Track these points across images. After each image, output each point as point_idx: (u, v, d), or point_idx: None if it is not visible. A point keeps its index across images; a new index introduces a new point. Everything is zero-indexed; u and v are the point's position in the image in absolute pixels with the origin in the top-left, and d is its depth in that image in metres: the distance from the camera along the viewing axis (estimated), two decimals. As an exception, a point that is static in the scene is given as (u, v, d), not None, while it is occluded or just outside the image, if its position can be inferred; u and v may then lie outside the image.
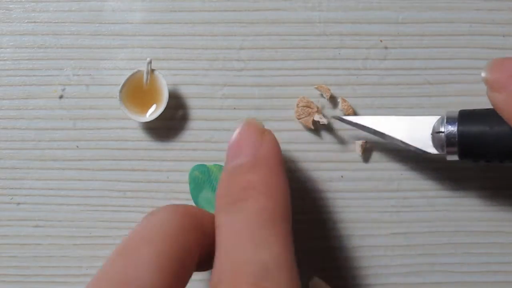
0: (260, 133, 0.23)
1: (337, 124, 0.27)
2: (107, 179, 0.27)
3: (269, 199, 0.21)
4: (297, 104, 0.27)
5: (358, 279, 0.27)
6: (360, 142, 0.27)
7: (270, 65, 0.28)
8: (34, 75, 0.28)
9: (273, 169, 0.22)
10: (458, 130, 0.23)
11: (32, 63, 0.28)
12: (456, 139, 0.23)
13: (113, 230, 0.27)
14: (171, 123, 0.28)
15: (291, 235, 0.20)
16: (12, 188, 0.28)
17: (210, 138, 0.27)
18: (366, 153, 0.27)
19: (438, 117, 0.24)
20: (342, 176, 0.27)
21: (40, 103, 0.28)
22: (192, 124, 0.28)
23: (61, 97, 0.28)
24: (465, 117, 0.23)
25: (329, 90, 0.27)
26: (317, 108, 0.27)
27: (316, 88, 0.27)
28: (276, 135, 0.27)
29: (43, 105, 0.28)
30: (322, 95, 0.27)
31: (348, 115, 0.27)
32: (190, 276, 0.20)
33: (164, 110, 0.26)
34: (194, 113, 0.28)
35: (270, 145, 0.23)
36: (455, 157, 0.24)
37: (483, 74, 0.22)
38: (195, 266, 0.20)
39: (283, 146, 0.27)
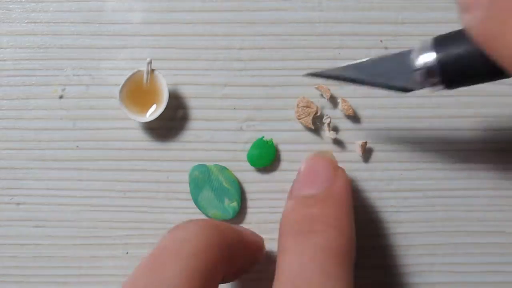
0: (335, 168, 0.23)
1: (337, 125, 0.27)
2: (107, 179, 0.27)
3: (339, 234, 0.21)
4: (297, 104, 0.27)
5: (358, 279, 0.27)
6: (360, 142, 0.27)
7: (270, 65, 0.28)
8: (34, 75, 0.28)
9: (344, 206, 0.22)
10: (437, 57, 0.21)
11: (32, 63, 0.28)
12: (437, 66, 0.21)
13: (113, 230, 0.27)
14: (171, 123, 0.27)
15: (353, 271, 0.21)
16: (12, 188, 0.27)
17: (210, 138, 0.27)
18: (366, 153, 0.27)
19: (414, 48, 0.22)
20: (342, 176, 0.27)
21: (40, 103, 0.28)
22: (192, 124, 0.27)
23: (61, 97, 0.28)
24: (440, 42, 0.21)
25: (329, 90, 0.27)
26: (317, 108, 0.27)
27: (316, 88, 0.27)
28: (276, 135, 0.27)
29: (43, 105, 0.28)
30: (322, 95, 0.27)
31: (349, 115, 0.27)
32: (218, 285, 0.20)
33: (164, 110, 0.26)
34: (194, 113, 0.28)
35: (343, 181, 0.23)
36: (439, 88, 0.22)
37: None
38: (220, 280, 0.20)
39: (283, 146, 0.27)
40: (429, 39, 0.22)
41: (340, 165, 0.27)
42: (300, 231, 0.21)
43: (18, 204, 0.27)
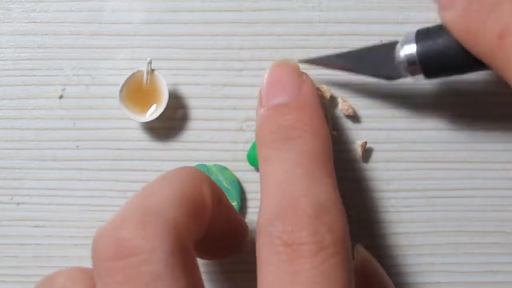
0: (299, 74, 0.24)
1: (337, 124, 0.27)
2: (107, 179, 0.27)
3: (317, 139, 0.21)
4: None
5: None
6: (360, 142, 0.27)
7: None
8: (34, 75, 0.28)
9: (315, 109, 0.23)
10: (416, 48, 0.23)
11: (32, 63, 0.28)
12: (416, 57, 0.23)
13: (113, 230, 0.27)
14: (171, 123, 0.28)
15: (335, 176, 0.21)
16: (12, 188, 0.28)
17: (210, 138, 0.27)
18: (366, 153, 0.27)
19: (399, 40, 0.24)
20: (342, 176, 0.27)
21: (40, 103, 0.28)
22: (192, 124, 0.28)
23: (61, 97, 0.28)
24: (422, 35, 0.23)
25: (329, 90, 0.27)
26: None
27: (316, 88, 0.27)
28: None
29: (43, 105, 0.28)
30: (322, 96, 0.27)
31: (349, 115, 0.27)
32: (205, 225, 0.20)
33: (164, 110, 0.26)
34: (194, 113, 0.28)
35: (311, 86, 0.23)
36: (421, 79, 0.24)
37: None
38: (208, 218, 0.20)
39: None
40: (412, 31, 0.24)
41: (340, 165, 0.27)
42: (278, 140, 0.21)
43: (18, 204, 0.27)
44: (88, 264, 0.27)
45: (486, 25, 0.20)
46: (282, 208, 0.19)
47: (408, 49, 0.23)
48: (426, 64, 0.23)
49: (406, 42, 0.24)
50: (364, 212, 0.27)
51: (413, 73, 0.24)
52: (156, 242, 0.17)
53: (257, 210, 0.27)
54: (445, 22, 0.22)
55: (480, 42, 0.20)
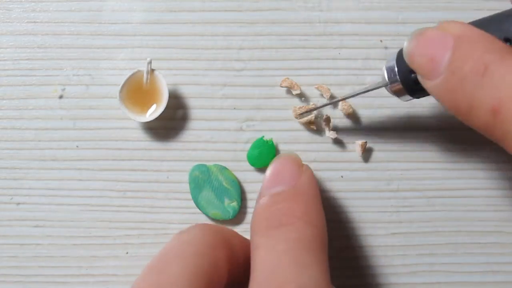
0: (299, 165, 0.24)
1: (337, 125, 0.27)
2: (107, 179, 0.27)
3: (309, 227, 0.21)
4: (280, 84, 0.27)
5: (358, 279, 0.27)
6: (360, 142, 0.27)
7: (270, 65, 0.28)
8: (34, 75, 0.28)
9: (312, 199, 0.23)
10: (397, 71, 0.22)
11: (32, 63, 0.28)
12: (398, 78, 0.23)
13: (113, 230, 0.27)
14: (171, 123, 0.27)
15: (327, 262, 0.21)
16: (12, 188, 0.27)
17: (210, 138, 0.27)
18: (366, 153, 0.27)
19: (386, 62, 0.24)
20: (342, 176, 0.27)
21: (40, 103, 0.28)
22: (192, 124, 0.27)
23: (61, 97, 0.28)
24: (401, 55, 0.22)
25: (329, 90, 0.27)
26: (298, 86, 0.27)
27: (316, 88, 0.27)
28: (276, 135, 0.27)
29: (43, 105, 0.28)
30: (322, 95, 0.27)
31: (349, 115, 0.27)
32: None
33: (164, 110, 0.26)
34: (194, 113, 0.28)
35: (309, 176, 0.23)
36: (407, 97, 0.23)
37: (406, 59, 0.21)
38: (224, 284, 0.21)
39: (283, 146, 0.27)
40: (395, 52, 0.23)
41: (340, 165, 0.27)
42: (270, 227, 0.22)
43: (18, 204, 0.27)
44: (86, 264, 0.27)
45: (476, 98, 0.18)
46: None
47: (391, 71, 0.23)
48: (407, 84, 0.22)
49: (389, 63, 0.23)
50: (363, 212, 0.27)
51: (399, 94, 0.23)
52: None
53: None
54: (428, 90, 0.21)
55: (473, 118, 0.19)
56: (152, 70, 0.26)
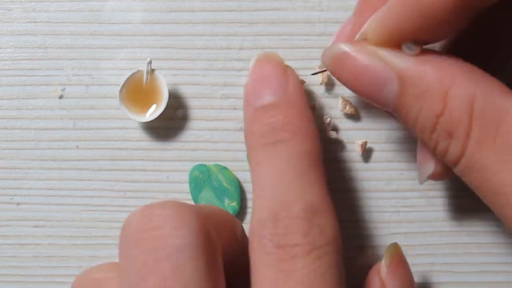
0: (284, 69, 0.23)
1: (337, 124, 0.27)
2: (107, 179, 0.27)
3: (306, 140, 0.21)
4: None
5: (358, 279, 0.27)
6: (360, 142, 0.27)
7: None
8: (34, 75, 0.28)
9: (302, 107, 0.22)
10: None
11: (32, 63, 0.28)
12: None
13: (113, 230, 0.27)
14: (171, 123, 0.28)
15: (326, 175, 0.21)
16: (12, 188, 0.28)
17: (210, 138, 0.27)
18: (366, 153, 0.27)
19: None
20: (342, 176, 0.27)
21: (40, 103, 0.28)
22: (192, 124, 0.28)
23: (61, 97, 0.28)
24: None
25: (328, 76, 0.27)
26: (314, 104, 0.27)
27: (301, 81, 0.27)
28: None
29: (43, 105, 0.28)
30: (323, 86, 0.27)
31: (349, 115, 0.27)
32: (234, 248, 0.20)
33: (164, 110, 0.26)
34: (194, 113, 0.28)
35: (296, 82, 0.23)
36: None
37: None
38: (236, 248, 0.21)
39: None
40: None
41: (340, 165, 0.27)
42: (268, 143, 0.21)
43: (18, 204, 0.28)
44: (86, 264, 0.27)
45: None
46: (274, 211, 0.19)
47: None
48: None
49: None
50: (364, 212, 0.27)
51: None
52: (184, 222, 0.17)
53: (257, 210, 0.27)
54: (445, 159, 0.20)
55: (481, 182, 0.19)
56: (152, 70, 0.26)
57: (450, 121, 0.18)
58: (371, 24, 0.20)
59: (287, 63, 0.27)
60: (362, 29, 0.21)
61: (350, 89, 0.21)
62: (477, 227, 0.27)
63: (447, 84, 0.18)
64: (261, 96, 0.22)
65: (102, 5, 0.28)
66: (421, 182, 0.23)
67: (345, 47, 0.20)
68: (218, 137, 0.27)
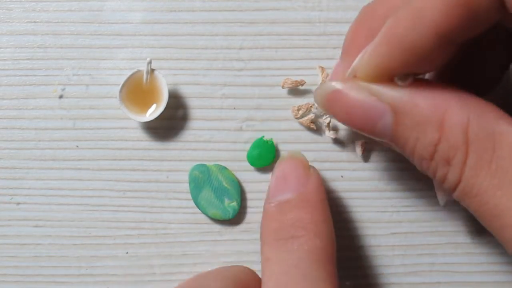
0: (306, 168, 0.24)
1: (337, 124, 0.27)
2: (107, 179, 0.27)
3: (319, 238, 0.22)
4: (282, 86, 0.27)
5: (358, 279, 0.27)
6: (360, 142, 0.27)
7: (270, 65, 0.28)
8: (34, 75, 0.28)
9: (320, 207, 0.23)
10: None
11: (32, 63, 0.28)
12: None
13: (113, 230, 0.27)
14: (171, 123, 0.28)
15: (336, 273, 0.22)
16: (12, 188, 0.28)
17: (210, 138, 0.27)
18: (366, 153, 0.27)
19: None
20: (342, 176, 0.27)
21: (40, 103, 0.28)
22: (192, 124, 0.28)
23: (61, 97, 0.28)
24: None
25: (325, 69, 0.27)
26: (310, 105, 0.27)
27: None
28: (276, 135, 0.27)
29: (43, 105, 0.28)
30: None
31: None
32: None
33: (164, 110, 0.26)
34: (194, 113, 0.28)
35: (317, 181, 0.23)
36: None
37: None
38: None
39: (283, 146, 0.27)
40: None
41: (340, 165, 0.27)
42: (280, 239, 0.22)
43: (18, 203, 0.28)
44: (86, 264, 0.27)
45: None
46: None
47: None
48: None
49: None
50: (363, 212, 0.27)
51: None
52: None
53: (257, 209, 0.27)
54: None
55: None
56: (152, 70, 0.26)
57: (447, 149, 0.18)
58: (360, 62, 0.20)
59: (287, 63, 0.28)
60: (351, 67, 0.21)
61: (346, 124, 0.21)
62: (477, 227, 0.27)
63: (441, 113, 0.18)
64: (280, 193, 0.23)
65: (102, 5, 0.28)
66: (443, 205, 0.24)
67: (337, 85, 0.21)
68: (218, 137, 0.27)
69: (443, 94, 0.19)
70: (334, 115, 0.21)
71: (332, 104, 0.21)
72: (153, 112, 0.26)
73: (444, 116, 0.18)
